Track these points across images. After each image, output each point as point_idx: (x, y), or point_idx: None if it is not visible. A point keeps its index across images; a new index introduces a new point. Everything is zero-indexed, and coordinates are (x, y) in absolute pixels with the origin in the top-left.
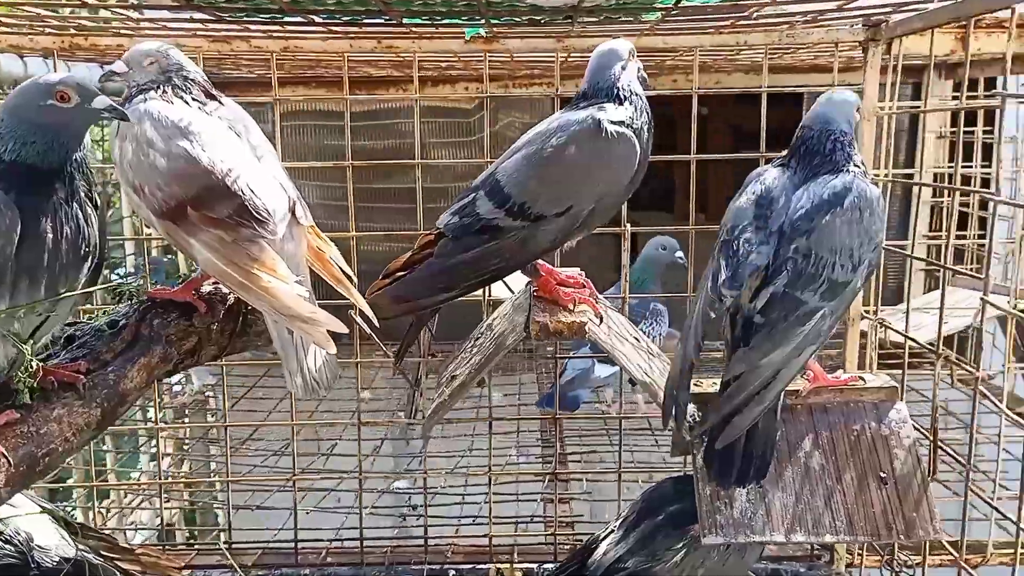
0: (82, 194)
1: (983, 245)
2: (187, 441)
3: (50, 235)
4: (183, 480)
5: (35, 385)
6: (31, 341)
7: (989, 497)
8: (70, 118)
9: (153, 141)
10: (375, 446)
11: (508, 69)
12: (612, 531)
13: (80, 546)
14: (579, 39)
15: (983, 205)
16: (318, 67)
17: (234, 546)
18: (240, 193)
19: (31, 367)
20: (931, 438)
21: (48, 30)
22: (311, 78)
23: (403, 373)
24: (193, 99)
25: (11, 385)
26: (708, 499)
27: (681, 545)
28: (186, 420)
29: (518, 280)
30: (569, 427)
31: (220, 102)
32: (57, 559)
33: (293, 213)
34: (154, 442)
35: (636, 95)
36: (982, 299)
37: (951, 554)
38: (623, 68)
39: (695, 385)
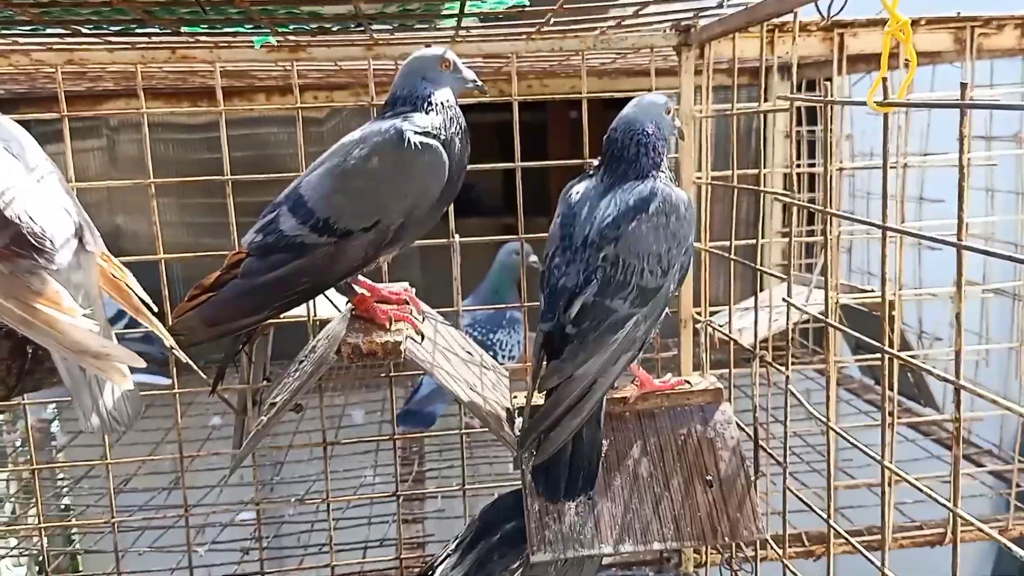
0: None
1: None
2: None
3: None
4: (72, 523)
5: None
6: None
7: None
8: None
9: None
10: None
11: (355, 78)
12: (448, 554)
13: None
14: (389, 47)
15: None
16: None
17: None
18: (16, 220)
19: None
20: (753, 437)
21: None
22: (167, 89)
23: (225, 400)
24: None
25: None
26: (537, 515)
27: (518, 565)
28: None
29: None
30: (430, 444)
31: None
32: None
33: (80, 239)
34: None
35: (445, 104)
36: (784, 299)
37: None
38: (432, 76)
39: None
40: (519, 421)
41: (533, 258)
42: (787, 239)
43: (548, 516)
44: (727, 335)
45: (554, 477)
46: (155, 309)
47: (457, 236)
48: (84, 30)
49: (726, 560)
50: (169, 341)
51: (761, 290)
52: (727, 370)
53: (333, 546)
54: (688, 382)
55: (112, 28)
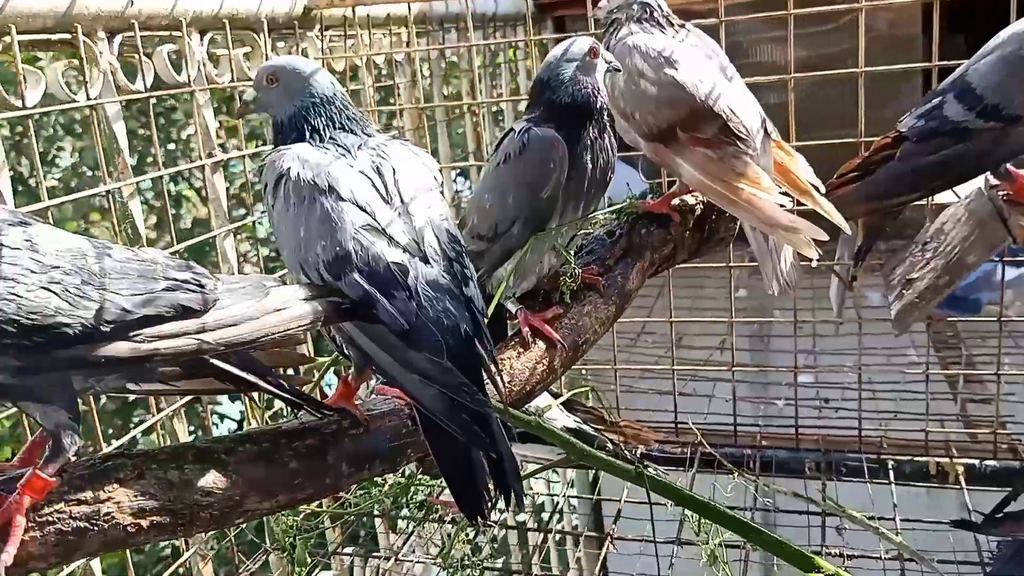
0: (607, 128)
1: None
2: None
3: (589, 166)
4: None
5: (575, 288)
6: (570, 252)
7: None
8: (596, 71)
9: (643, 71)
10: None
11: None
12: None
13: (575, 418)
14: None
15: None
16: None
17: (679, 427)
18: (723, 114)
19: (575, 273)
20: None
21: None
22: None
23: (835, 272)
24: (669, 27)
25: (553, 287)
26: None
27: None
28: None
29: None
30: (965, 330)
31: (687, 29)
32: (562, 428)
33: (764, 128)
34: None
35: None
36: None
37: None
38: None
39: None
40: None
41: None
42: None
43: None
44: None
45: None
46: (822, 190)
47: None
48: None
49: None
50: (841, 221)
51: None
52: None
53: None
54: None
55: None
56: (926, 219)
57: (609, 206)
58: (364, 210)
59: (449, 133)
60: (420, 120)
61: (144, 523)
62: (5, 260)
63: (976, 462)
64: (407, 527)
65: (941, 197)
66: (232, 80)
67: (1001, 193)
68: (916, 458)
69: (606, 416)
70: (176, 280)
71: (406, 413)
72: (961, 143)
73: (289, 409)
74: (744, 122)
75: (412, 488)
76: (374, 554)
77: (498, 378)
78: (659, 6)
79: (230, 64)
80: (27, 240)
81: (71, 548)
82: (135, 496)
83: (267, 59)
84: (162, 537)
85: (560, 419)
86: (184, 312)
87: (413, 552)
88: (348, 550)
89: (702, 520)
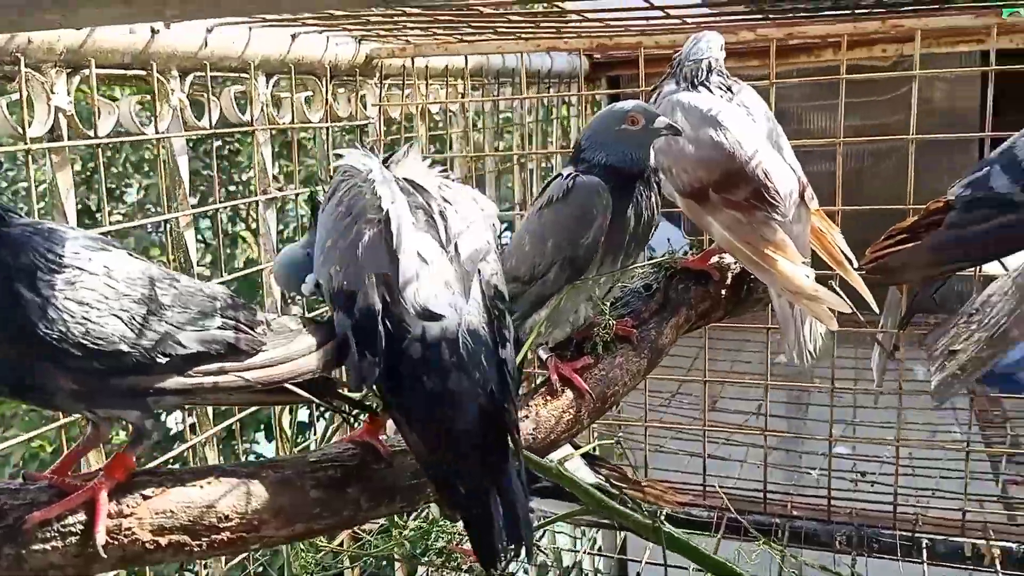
0: (653, 186)
1: None
2: None
3: (632, 221)
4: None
5: (608, 339)
6: (606, 303)
7: None
8: (639, 137)
9: (683, 129)
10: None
11: None
12: None
13: (598, 474)
14: None
15: None
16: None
17: (707, 490)
18: (757, 178)
19: (610, 325)
20: None
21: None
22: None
23: (878, 342)
24: (717, 87)
25: (585, 338)
26: None
27: None
28: None
29: (1013, 258)
30: (1012, 408)
31: (739, 88)
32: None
33: (802, 196)
34: None
35: None
36: None
37: None
38: None
39: None
40: None
41: None
42: None
43: None
44: None
45: None
46: (853, 262)
47: None
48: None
49: None
50: (867, 294)
51: None
52: None
53: (967, 495)
54: None
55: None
56: (973, 291)
57: (649, 259)
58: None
59: (498, 185)
60: (470, 171)
61: (163, 541)
62: (84, 285)
63: (1014, 546)
64: (426, 574)
65: (990, 269)
66: (292, 121)
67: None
68: (952, 538)
69: (630, 474)
70: (231, 319)
71: None
72: (1006, 214)
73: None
74: (778, 188)
75: (433, 533)
76: None
77: (519, 436)
78: (710, 63)
79: (291, 107)
80: (106, 266)
81: (90, 559)
82: (156, 513)
83: (327, 103)
84: (179, 557)
85: (583, 473)
86: (231, 350)
87: None
88: None
89: None
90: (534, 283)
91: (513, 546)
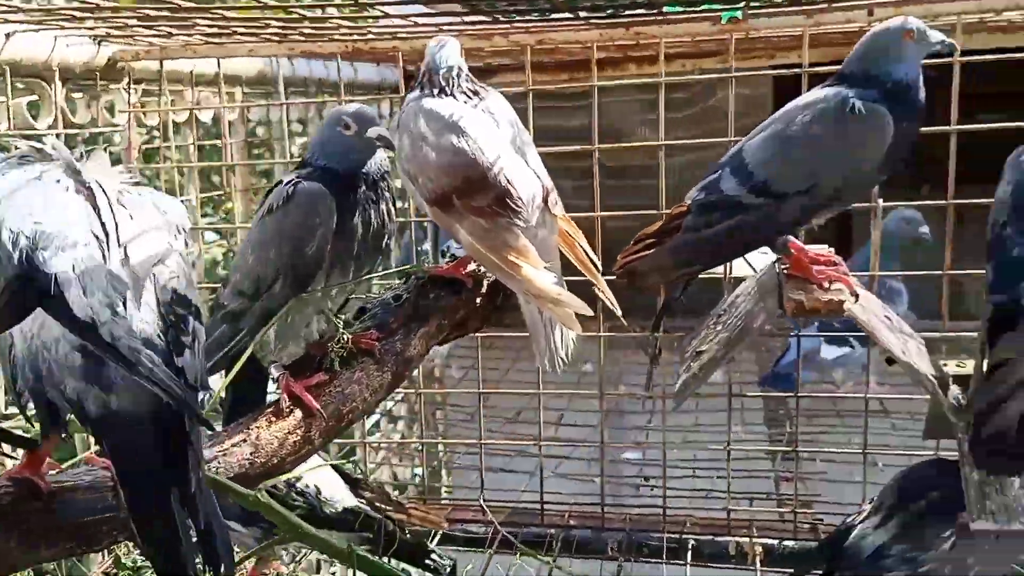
0: (384, 195)
1: None
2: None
3: (360, 228)
4: (441, 441)
5: (344, 354)
6: (340, 316)
7: None
8: (352, 143)
9: (426, 136)
10: (598, 417)
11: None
12: (867, 515)
13: (360, 498)
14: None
15: None
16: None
17: (486, 503)
18: (499, 184)
19: (344, 339)
20: None
21: (336, 36)
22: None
23: (644, 349)
24: (461, 93)
25: (323, 353)
26: (976, 484)
27: (949, 533)
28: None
29: (759, 258)
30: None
31: (485, 94)
32: (341, 509)
33: (546, 202)
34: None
35: (905, 82)
36: None
37: None
38: (895, 52)
39: (957, 366)
40: (954, 388)
41: (924, 229)
42: None
43: (989, 486)
44: None
45: (997, 450)
46: (598, 264)
47: (880, 201)
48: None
49: None
50: (609, 297)
51: None
52: None
53: (730, 493)
54: None
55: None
56: (724, 292)
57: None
58: None
59: None
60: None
61: None
62: None
63: (776, 542)
64: None
65: (740, 271)
66: (10, 128)
67: (782, 267)
68: (717, 538)
69: (393, 497)
70: None
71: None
72: (735, 216)
73: None
74: (520, 194)
75: None
76: None
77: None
78: (451, 68)
79: (8, 113)
80: None
81: None
82: None
83: (57, 108)
84: None
85: (346, 499)
86: None
87: None
88: None
89: None
90: (259, 298)
91: (212, 568)
